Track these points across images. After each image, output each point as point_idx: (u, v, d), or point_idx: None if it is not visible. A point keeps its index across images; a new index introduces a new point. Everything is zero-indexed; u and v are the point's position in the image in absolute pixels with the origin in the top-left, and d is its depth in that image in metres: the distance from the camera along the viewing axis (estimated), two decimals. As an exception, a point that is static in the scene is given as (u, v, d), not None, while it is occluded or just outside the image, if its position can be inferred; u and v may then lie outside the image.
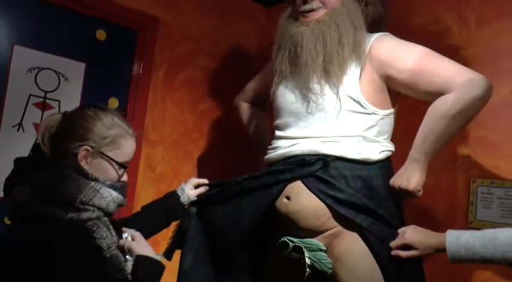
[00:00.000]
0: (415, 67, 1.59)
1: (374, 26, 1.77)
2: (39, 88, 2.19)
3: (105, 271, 1.26)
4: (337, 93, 1.65)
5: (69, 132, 1.34)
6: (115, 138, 1.37)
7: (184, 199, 1.71)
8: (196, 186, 1.76)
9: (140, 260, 1.32)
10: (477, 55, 2.15)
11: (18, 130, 2.13)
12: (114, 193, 1.36)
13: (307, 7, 1.72)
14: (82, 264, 1.22)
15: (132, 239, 1.40)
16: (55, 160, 1.33)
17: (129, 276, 1.29)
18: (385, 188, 1.63)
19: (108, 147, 1.36)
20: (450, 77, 1.54)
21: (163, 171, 2.58)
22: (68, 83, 2.27)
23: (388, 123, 1.71)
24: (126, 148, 1.41)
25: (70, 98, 2.27)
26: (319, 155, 1.63)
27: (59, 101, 2.24)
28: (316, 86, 1.67)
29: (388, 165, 1.69)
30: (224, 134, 2.74)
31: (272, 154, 1.77)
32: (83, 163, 1.33)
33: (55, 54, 2.24)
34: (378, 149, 1.65)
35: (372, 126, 1.66)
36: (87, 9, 2.31)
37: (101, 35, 2.40)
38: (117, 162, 1.38)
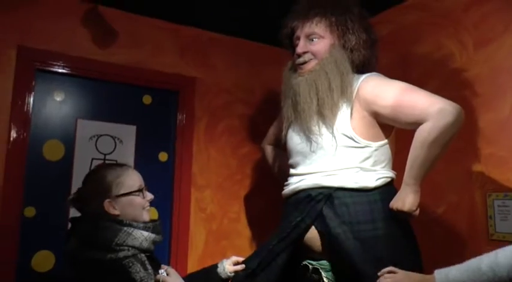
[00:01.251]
0: (394, 103, 1.80)
1: (363, 68, 2.00)
2: (99, 152, 2.61)
3: None
4: (332, 133, 1.89)
5: (90, 198, 1.70)
6: (119, 179, 1.72)
7: (220, 270, 1.94)
8: (236, 263, 1.97)
9: None
10: (478, 75, 2.30)
11: (84, 189, 2.55)
12: (146, 233, 1.68)
13: (301, 60, 2.00)
14: None
15: (167, 274, 1.70)
16: (94, 216, 1.69)
17: None
18: (384, 210, 1.82)
19: (119, 189, 1.71)
20: (424, 109, 1.74)
21: (213, 211, 2.89)
22: (123, 144, 2.68)
23: (384, 153, 1.91)
24: (130, 179, 1.75)
25: (125, 157, 2.67)
26: (321, 187, 1.87)
27: (116, 161, 2.64)
28: (315, 128, 1.93)
29: (388, 190, 1.88)
30: (266, 173, 2.99)
31: (285, 190, 2.04)
32: (113, 211, 1.68)
33: (110, 122, 2.66)
34: (375, 177, 1.86)
35: (367, 158, 1.88)
36: (133, 80, 2.73)
37: (146, 99, 2.80)
38: (133, 192, 1.72)
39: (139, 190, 1.76)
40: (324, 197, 1.86)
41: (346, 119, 1.89)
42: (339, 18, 1.97)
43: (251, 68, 3.14)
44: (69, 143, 2.54)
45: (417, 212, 1.81)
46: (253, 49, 3.17)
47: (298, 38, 2.03)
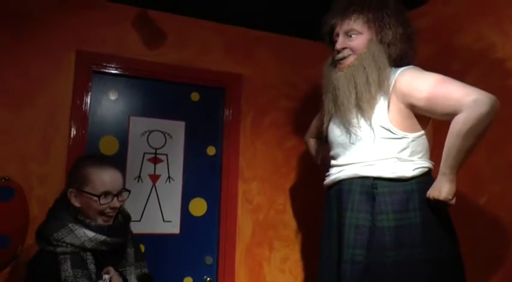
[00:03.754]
0: (430, 95, 1.85)
1: (400, 61, 2.04)
2: (150, 146, 2.78)
3: None
4: (370, 125, 1.96)
5: (66, 183, 1.86)
6: (87, 176, 1.79)
7: None
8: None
9: None
10: (521, 65, 2.28)
11: (138, 181, 2.73)
12: (92, 234, 1.74)
13: (340, 56, 2.07)
14: None
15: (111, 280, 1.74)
16: (58, 202, 1.84)
17: None
18: (421, 200, 1.86)
19: (84, 185, 1.78)
20: (459, 99, 1.77)
21: (260, 202, 2.99)
22: (173, 139, 2.83)
23: (421, 144, 1.96)
24: (100, 180, 1.79)
25: (175, 151, 2.83)
26: (360, 177, 1.94)
27: (167, 155, 2.81)
28: (354, 120, 2.00)
29: (425, 180, 1.92)
30: (311, 166, 3.03)
31: (327, 180, 2.12)
32: (74, 202, 1.78)
33: (160, 118, 2.82)
34: (412, 167, 1.91)
35: (405, 148, 1.93)
36: (182, 78, 2.87)
37: (195, 96, 2.94)
38: (94, 194, 1.78)
39: (101, 195, 1.79)
40: (363, 188, 1.93)
41: (384, 112, 1.94)
42: (376, 14, 2.02)
43: (295, 63, 3.21)
44: (122, 138, 2.72)
45: (453, 201, 1.84)
46: (297, 45, 3.24)
47: (338, 35, 2.10)
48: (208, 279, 2.77)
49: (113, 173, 1.85)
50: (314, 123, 2.52)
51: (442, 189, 1.82)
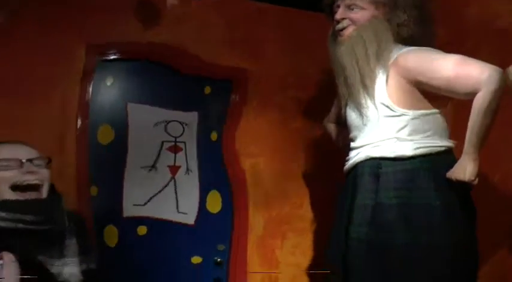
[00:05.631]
0: (452, 75, 1.82)
1: (412, 42, 2.00)
2: (170, 135, 2.80)
3: None
4: (374, 103, 1.95)
5: None
6: None
7: None
8: None
9: None
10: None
11: (149, 171, 2.73)
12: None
13: (339, 26, 2.06)
14: None
15: (2, 266, 1.60)
16: None
17: None
18: (428, 179, 1.85)
19: None
20: (477, 77, 1.76)
21: (273, 195, 2.97)
22: (188, 128, 2.85)
23: (428, 122, 1.93)
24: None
25: (191, 139, 2.86)
26: (370, 159, 1.95)
27: (185, 142, 2.84)
28: (362, 101, 1.99)
29: (432, 159, 1.90)
30: (321, 156, 3.01)
31: (346, 166, 2.12)
32: None
33: (176, 110, 2.85)
34: (413, 146, 1.89)
35: (403, 127, 1.91)
36: (197, 72, 2.89)
37: (207, 89, 2.95)
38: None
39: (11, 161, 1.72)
40: (371, 169, 1.92)
41: (383, 86, 1.94)
42: None
43: (303, 51, 3.11)
44: (123, 127, 2.73)
45: (476, 181, 1.81)
46: (303, 24, 3.14)
47: (338, 6, 2.07)
48: (218, 259, 2.72)
49: (9, 145, 1.80)
50: (333, 109, 2.51)
51: (465, 170, 1.79)
